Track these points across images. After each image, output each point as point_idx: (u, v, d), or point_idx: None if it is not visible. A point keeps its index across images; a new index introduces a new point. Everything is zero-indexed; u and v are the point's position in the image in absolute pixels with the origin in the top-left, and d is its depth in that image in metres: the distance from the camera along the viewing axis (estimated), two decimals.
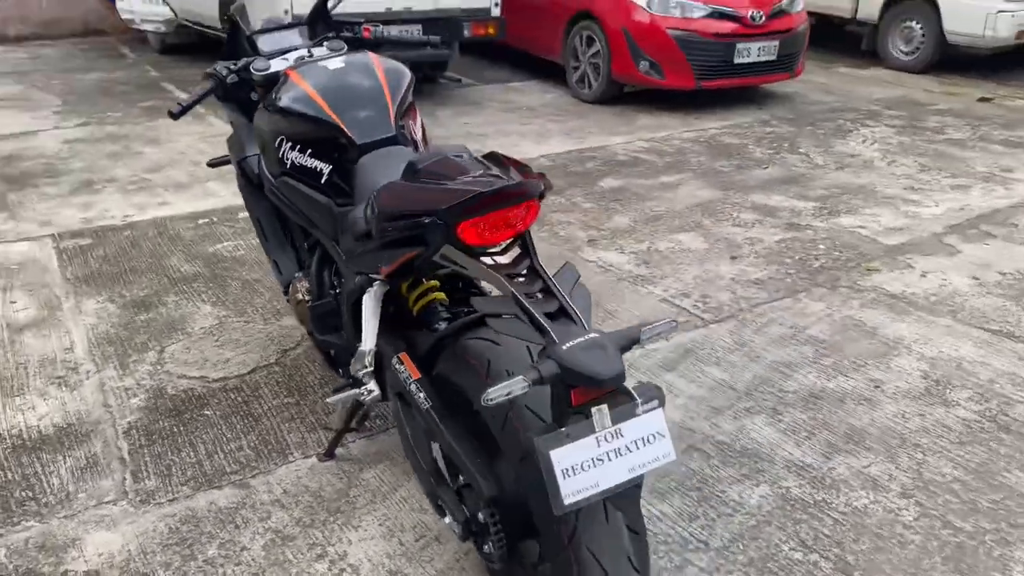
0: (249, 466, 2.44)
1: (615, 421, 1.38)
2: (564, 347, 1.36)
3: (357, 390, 2.09)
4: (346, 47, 2.54)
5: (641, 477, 1.41)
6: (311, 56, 2.38)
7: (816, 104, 7.12)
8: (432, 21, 6.60)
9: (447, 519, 1.83)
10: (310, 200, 2.14)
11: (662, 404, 1.42)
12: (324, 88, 2.11)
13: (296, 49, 2.49)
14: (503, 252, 1.56)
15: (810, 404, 2.79)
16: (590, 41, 6.94)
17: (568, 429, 1.35)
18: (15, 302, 3.41)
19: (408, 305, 2.08)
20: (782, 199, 4.78)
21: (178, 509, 2.27)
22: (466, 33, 6.83)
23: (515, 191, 1.47)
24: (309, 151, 2.12)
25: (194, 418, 2.66)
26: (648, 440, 1.40)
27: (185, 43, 8.29)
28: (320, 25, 2.66)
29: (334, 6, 2.74)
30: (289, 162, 2.18)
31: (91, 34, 9.81)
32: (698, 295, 3.58)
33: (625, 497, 1.45)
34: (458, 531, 1.77)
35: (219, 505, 2.28)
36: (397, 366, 1.92)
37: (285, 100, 2.12)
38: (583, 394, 1.35)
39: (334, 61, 2.22)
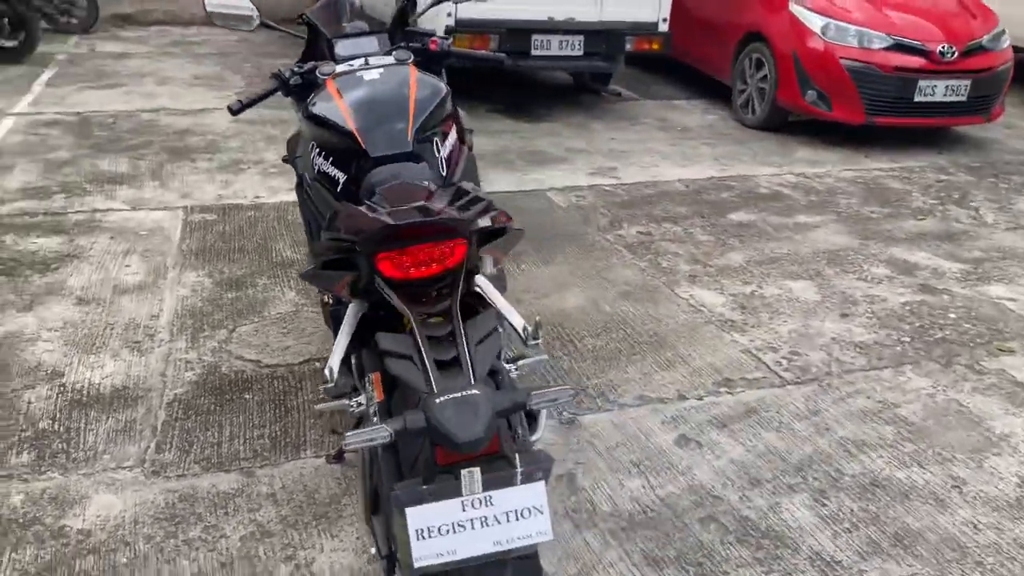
0: (261, 456, 2.51)
1: (487, 487, 1.27)
2: (436, 400, 1.27)
3: (345, 401, 2.08)
4: (411, 57, 2.54)
5: (534, 551, 1.30)
6: (367, 64, 2.40)
7: (1012, 154, 6.36)
8: (594, 33, 6.52)
9: (372, 549, 1.79)
10: (328, 207, 2.16)
11: (546, 478, 1.29)
12: (351, 98, 2.11)
13: (369, 56, 2.52)
14: (439, 289, 1.48)
15: (867, 493, 2.49)
16: (759, 64, 6.59)
17: (431, 487, 1.26)
18: (129, 266, 3.71)
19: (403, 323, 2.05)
20: (926, 256, 4.31)
21: (182, 486, 2.37)
22: (629, 47, 6.69)
23: (432, 227, 1.40)
24: (331, 158, 2.14)
25: (233, 400, 2.77)
26: (523, 514, 1.28)
27: None
28: (399, 34, 2.68)
29: (420, 14, 2.77)
30: (317, 167, 2.21)
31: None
32: (787, 351, 3.30)
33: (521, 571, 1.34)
34: (381, 564, 1.72)
35: (219, 489, 2.36)
36: (368, 385, 1.89)
37: (316, 106, 2.15)
38: (448, 454, 1.26)
39: (373, 72, 2.22)
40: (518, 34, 6.34)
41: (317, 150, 2.21)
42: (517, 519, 1.28)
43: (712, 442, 2.69)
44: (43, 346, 3.02)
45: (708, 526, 2.32)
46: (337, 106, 2.11)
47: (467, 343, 1.38)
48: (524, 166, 5.45)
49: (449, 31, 6.21)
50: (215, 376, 2.90)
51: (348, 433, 1.25)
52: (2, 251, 3.77)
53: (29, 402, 2.70)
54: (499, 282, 2.37)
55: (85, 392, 2.77)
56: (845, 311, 3.66)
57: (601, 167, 5.52)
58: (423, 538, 1.24)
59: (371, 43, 2.64)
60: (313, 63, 2.49)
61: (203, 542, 2.17)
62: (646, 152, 5.93)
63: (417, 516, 1.24)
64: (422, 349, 1.36)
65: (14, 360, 2.92)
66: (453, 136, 2.26)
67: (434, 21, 6.31)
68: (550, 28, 6.41)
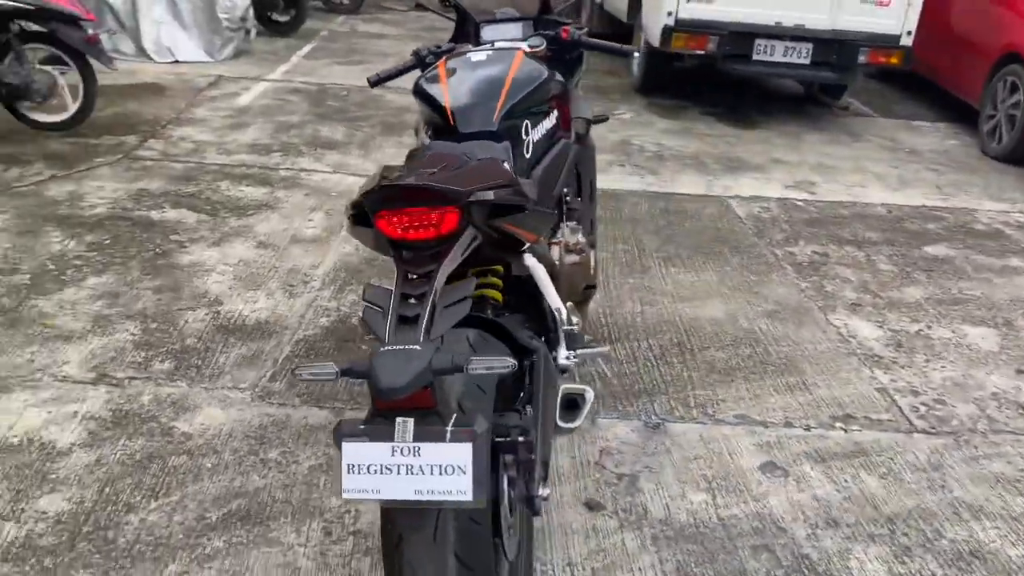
0: (355, 400, 2.71)
1: (416, 438, 1.33)
2: (381, 349, 1.34)
3: None
4: (544, 44, 2.61)
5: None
6: (490, 47, 2.50)
7: None
8: (825, 42, 6.16)
9: None
10: None
11: (474, 441, 1.33)
12: (454, 78, 2.22)
13: (508, 40, 2.63)
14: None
15: (960, 562, 2.22)
16: (1013, 89, 5.89)
17: (367, 428, 1.35)
18: (311, 220, 4.11)
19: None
20: None
21: (279, 413, 2.63)
22: (862, 59, 6.25)
23: (425, 192, 1.46)
24: (431, 133, 2.26)
25: (351, 348, 3.01)
26: (445, 470, 1.33)
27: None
28: (542, 21, 2.77)
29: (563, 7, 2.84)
30: (421, 141, 2.35)
31: None
32: (932, 398, 2.99)
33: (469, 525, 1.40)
34: None
35: (309, 422, 2.59)
36: None
37: (423, 84, 2.28)
38: (384, 401, 1.33)
39: (481, 54, 2.32)
40: (740, 37, 6.14)
41: (424, 125, 2.35)
42: (440, 474, 1.33)
43: (801, 475, 2.53)
44: (215, 277, 3.46)
45: (759, 555, 2.20)
46: (440, 84, 2.22)
47: (434, 304, 1.44)
48: (717, 171, 5.30)
49: (667, 31, 6.16)
50: (344, 325, 3.17)
51: (302, 366, 1.37)
52: (215, 194, 4.33)
53: (186, 321, 3.11)
54: (579, 269, 2.38)
55: (233, 321, 3.14)
56: (1023, 367, 3.24)
57: (800, 181, 5.23)
58: (352, 472, 1.34)
59: (515, 29, 2.75)
60: (451, 44, 2.64)
61: (276, 464, 2.40)
62: (856, 171, 5.53)
63: (351, 451, 1.34)
64: (391, 304, 1.44)
65: (188, 285, 3.37)
66: (551, 122, 2.30)
67: (654, 19, 6.30)
68: (776, 33, 6.15)
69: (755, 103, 7.06)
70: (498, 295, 2.09)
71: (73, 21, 4.63)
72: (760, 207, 4.74)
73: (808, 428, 2.76)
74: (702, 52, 6.21)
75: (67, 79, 4.81)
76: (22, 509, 2.17)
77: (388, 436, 1.34)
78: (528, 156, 2.16)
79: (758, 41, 6.17)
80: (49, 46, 4.68)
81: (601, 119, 3.05)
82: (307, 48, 8.01)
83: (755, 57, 6.23)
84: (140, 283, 3.35)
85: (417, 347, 1.34)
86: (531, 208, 1.72)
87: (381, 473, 1.34)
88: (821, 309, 3.58)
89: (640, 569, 2.13)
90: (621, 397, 2.83)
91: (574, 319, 2.03)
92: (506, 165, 1.97)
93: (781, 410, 2.85)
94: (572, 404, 2.14)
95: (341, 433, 1.35)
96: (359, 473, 1.34)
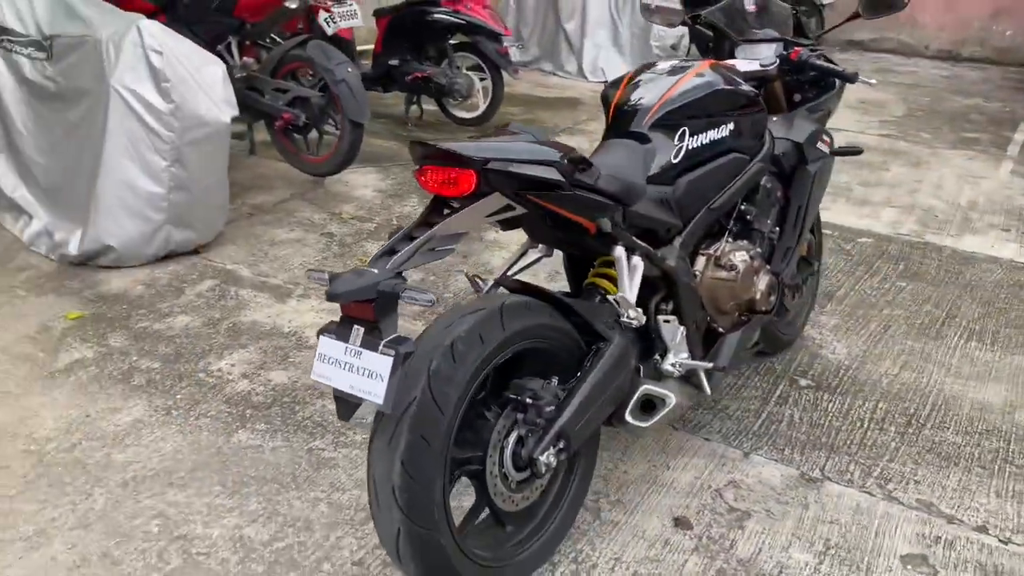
0: None
1: (361, 344, 1.60)
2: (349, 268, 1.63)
3: None
4: (774, 63, 2.59)
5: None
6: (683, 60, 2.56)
7: None
8: None
9: None
10: None
11: (397, 357, 1.55)
12: (632, 83, 2.35)
13: (755, 60, 2.66)
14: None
15: None
16: None
17: (336, 329, 1.66)
18: None
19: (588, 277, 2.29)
20: None
21: None
22: None
23: (443, 154, 1.69)
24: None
25: None
26: (371, 375, 1.58)
27: None
28: (792, 41, 2.72)
29: (825, 31, 2.76)
30: None
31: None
32: None
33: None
34: None
35: None
36: None
37: (608, 88, 2.41)
38: (344, 308, 1.62)
39: (667, 64, 2.40)
40: None
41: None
42: (367, 376, 1.58)
43: None
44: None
45: None
46: (616, 89, 2.37)
47: (417, 246, 1.68)
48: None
49: None
50: None
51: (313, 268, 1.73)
52: None
53: None
54: (727, 288, 2.33)
55: None
56: None
57: None
58: (320, 360, 1.66)
59: (766, 49, 2.74)
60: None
61: None
62: None
63: (324, 343, 1.66)
64: (392, 238, 1.71)
65: None
66: (721, 134, 2.29)
67: None
68: None
69: None
70: (609, 286, 2.20)
71: (494, 36, 5.55)
72: None
73: (1006, 541, 2.28)
74: None
75: (483, 84, 5.78)
76: (257, 374, 2.89)
77: (344, 338, 1.64)
78: (675, 161, 2.21)
79: None
80: (472, 55, 5.68)
81: (851, 151, 2.85)
82: None
83: None
84: None
85: (374, 270, 1.62)
86: (569, 190, 1.83)
87: (333, 366, 1.65)
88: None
89: None
90: (796, 444, 2.64)
91: (632, 314, 2.04)
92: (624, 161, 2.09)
93: (985, 512, 2.39)
94: (649, 405, 2.15)
95: (322, 329, 1.69)
96: (323, 362, 1.67)
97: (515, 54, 5.87)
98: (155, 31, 3.35)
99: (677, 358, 2.22)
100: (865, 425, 2.77)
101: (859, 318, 3.50)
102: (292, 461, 2.44)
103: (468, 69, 5.74)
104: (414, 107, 5.99)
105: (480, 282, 2.18)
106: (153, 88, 3.32)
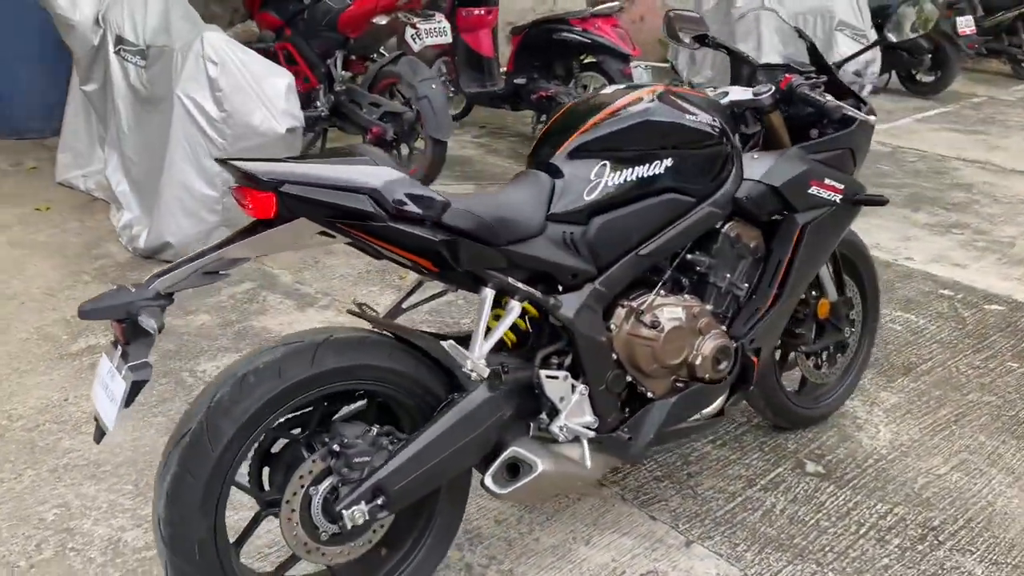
0: None
1: (116, 366, 1.54)
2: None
3: None
4: (768, 91, 2.22)
5: None
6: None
7: None
8: None
9: None
10: None
11: (127, 382, 1.48)
12: (573, 107, 2.11)
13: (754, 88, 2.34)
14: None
15: None
16: None
17: (109, 349, 1.61)
18: None
19: None
20: None
21: None
22: None
23: (243, 172, 1.56)
24: None
25: None
26: (112, 399, 1.52)
27: None
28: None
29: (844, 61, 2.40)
30: None
31: None
32: None
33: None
34: None
35: None
36: None
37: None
38: (112, 328, 1.56)
39: (612, 88, 2.13)
40: None
41: None
42: (109, 399, 1.54)
43: None
44: None
45: None
46: (555, 115, 2.14)
47: (192, 265, 1.58)
48: None
49: None
50: None
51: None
52: None
53: None
54: (647, 348, 2.02)
55: None
56: None
57: None
58: (96, 380, 1.62)
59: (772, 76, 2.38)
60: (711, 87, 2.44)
61: None
62: None
63: (101, 363, 1.61)
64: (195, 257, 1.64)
65: None
66: (652, 171, 1.98)
67: None
68: None
69: None
70: (508, 334, 1.98)
71: (621, 56, 5.32)
72: None
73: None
74: None
75: None
76: None
77: (111, 358, 1.59)
78: (589, 199, 1.94)
79: None
80: (599, 75, 5.48)
81: (873, 200, 2.38)
82: (932, 112, 7.28)
83: None
84: None
85: (133, 289, 1.54)
86: (383, 222, 1.65)
87: (100, 385, 1.61)
88: None
89: None
90: (759, 541, 2.23)
91: (472, 368, 1.80)
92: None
93: None
94: (514, 470, 1.90)
95: (106, 349, 1.65)
96: (96, 382, 1.63)
97: (641, 75, 5.59)
98: (217, 43, 3.53)
99: (568, 421, 1.94)
100: (862, 532, 2.29)
101: (931, 400, 2.92)
102: None
103: (597, 88, 5.54)
104: (540, 126, 5.89)
105: (370, 312, 2.04)
106: (209, 96, 3.50)
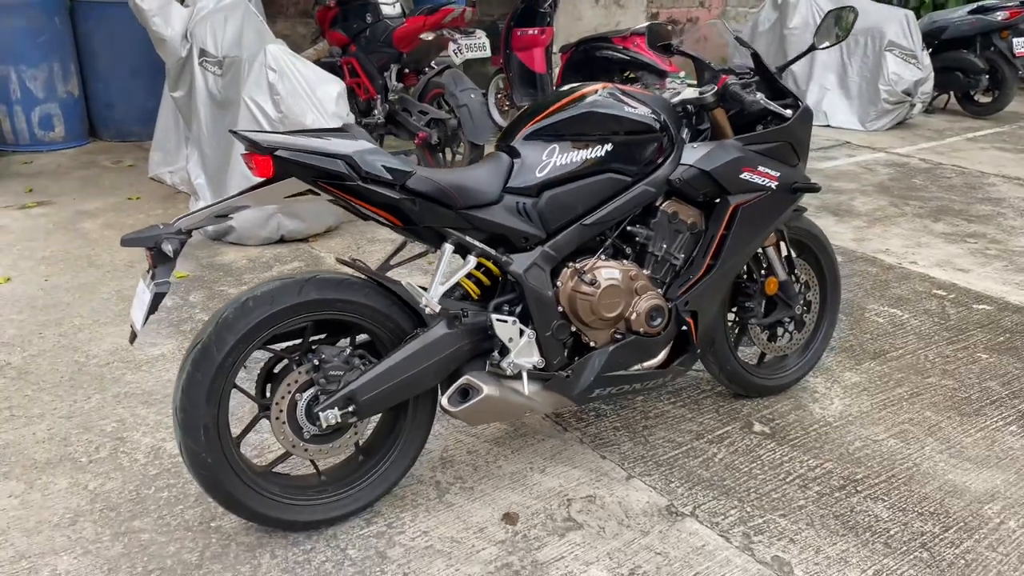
0: None
1: (146, 284, 2.03)
2: None
3: None
4: (710, 90, 2.59)
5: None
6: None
7: None
8: None
9: None
10: None
11: (152, 294, 1.96)
12: (539, 101, 2.52)
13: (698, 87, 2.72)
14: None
15: None
16: None
17: (144, 273, 2.09)
18: None
19: None
20: None
21: None
22: None
23: (247, 142, 2.03)
24: None
25: None
26: (141, 307, 2.01)
27: None
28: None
29: (784, 65, 2.75)
30: None
31: None
32: None
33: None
34: None
35: None
36: None
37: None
38: (146, 256, 2.04)
39: (568, 87, 2.53)
40: None
41: None
42: (140, 308, 2.02)
43: None
44: None
45: None
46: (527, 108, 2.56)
47: (208, 209, 2.05)
48: None
49: None
50: None
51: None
52: None
53: None
54: (586, 302, 2.38)
55: None
56: None
57: None
58: (135, 299, 2.11)
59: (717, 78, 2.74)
60: (658, 85, 2.82)
61: None
62: None
63: (139, 286, 2.11)
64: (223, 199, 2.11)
65: None
66: (595, 154, 2.36)
67: None
68: None
69: None
70: (471, 285, 2.40)
71: (659, 73, 5.68)
72: None
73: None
74: None
75: None
76: None
77: (144, 279, 2.08)
78: (540, 176, 2.34)
79: None
80: None
81: (807, 188, 2.69)
82: (985, 132, 7.33)
83: None
84: None
85: (162, 227, 2.03)
86: (355, 182, 2.09)
87: (136, 300, 2.10)
88: None
89: None
90: (691, 481, 2.55)
91: (427, 304, 2.21)
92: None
93: (841, 574, 2.16)
94: (465, 393, 2.30)
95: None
96: (135, 299, 2.12)
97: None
98: (278, 54, 4.08)
99: (517, 360, 2.34)
100: (788, 480, 2.59)
101: (891, 381, 3.17)
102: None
103: None
104: None
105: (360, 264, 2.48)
106: (269, 99, 4.05)
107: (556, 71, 6.66)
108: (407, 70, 5.25)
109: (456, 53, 5.01)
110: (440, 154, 5.16)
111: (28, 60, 5.99)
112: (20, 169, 5.83)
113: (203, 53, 4.65)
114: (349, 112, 4.26)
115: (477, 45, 5.06)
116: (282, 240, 4.40)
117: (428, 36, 4.89)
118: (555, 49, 6.78)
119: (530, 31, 6.45)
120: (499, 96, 6.86)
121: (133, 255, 4.24)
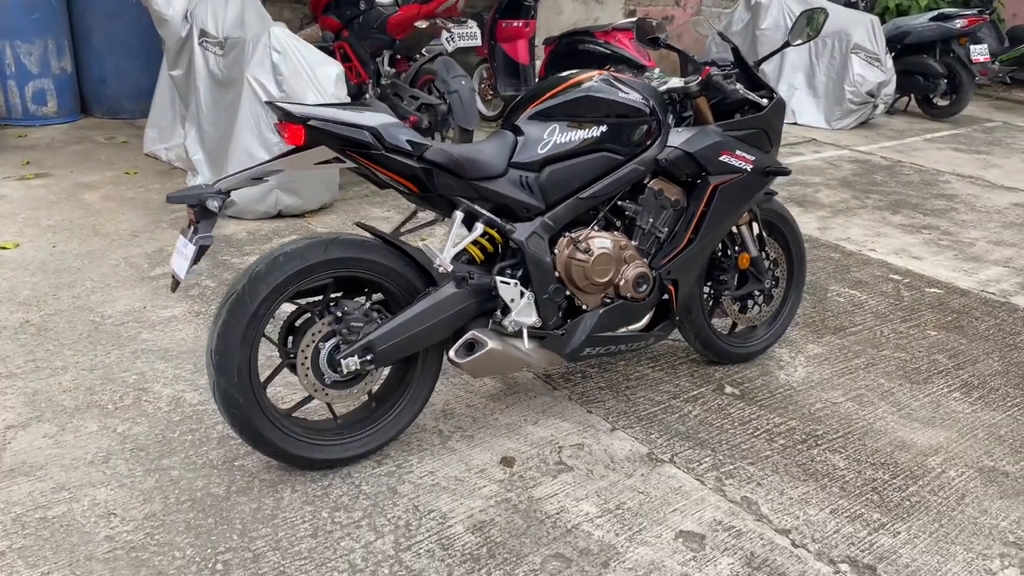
0: None
1: (188, 238, 2.24)
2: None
3: None
4: (695, 80, 2.85)
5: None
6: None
7: None
8: None
9: None
10: None
11: (196, 246, 2.17)
12: (540, 85, 2.77)
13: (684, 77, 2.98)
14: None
15: None
16: None
17: (184, 229, 2.30)
18: None
19: None
20: None
21: None
22: None
23: (282, 112, 2.26)
24: None
25: None
26: (184, 258, 2.23)
27: None
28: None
29: (761, 60, 3.02)
30: None
31: None
32: None
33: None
34: None
35: None
36: None
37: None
38: (188, 213, 2.26)
39: (567, 72, 2.78)
40: None
41: None
42: (183, 259, 2.24)
43: None
44: None
45: None
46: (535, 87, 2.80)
47: (245, 172, 2.28)
48: None
49: None
50: None
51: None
52: None
53: None
54: (580, 268, 2.64)
55: None
56: None
57: None
58: (175, 252, 2.32)
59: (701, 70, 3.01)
60: (646, 74, 3.08)
61: None
62: None
63: (179, 240, 2.32)
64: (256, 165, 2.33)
65: None
66: (592, 134, 2.62)
67: None
68: None
69: None
70: (476, 251, 2.64)
71: (638, 67, 5.95)
72: None
73: (796, 545, 2.35)
74: None
75: None
76: None
77: (186, 234, 2.30)
78: (542, 152, 2.59)
79: None
80: None
81: (778, 172, 2.97)
82: (942, 133, 7.73)
83: None
84: None
85: (205, 184, 2.25)
86: (378, 151, 2.32)
87: (178, 254, 2.31)
88: None
89: None
90: (669, 433, 2.82)
91: (439, 264, 2.46)
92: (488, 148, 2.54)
93: (803, 522, 2.44)
94: (471, 347, 2.55)
95: (183, 231, 2.35)
96: (175, 253, 2.34)
97: None
98: (281, 35, 4.28)
99: (517, 318, 2.59)
100: (756, 434, 2.87)
101: (849, 353, 3.48)
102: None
103: None
104: None
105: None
106: (272, 79, 4.25)
107: (539, 63, 6.90)
108: (399, 56, 5.46)
109: (448, 41, 5.24)
110: (430, 138, 5.38)
111: (23, 35, 6.10)
112: (15, 142, 5.94)
113: (203, 33, 4.82)
114: (346, 94, 4.46)
115: (469, 34, 5.29)
116: (280, 215, 4.60)
117: (422, 24, 5.10)
118: (538, 41, 7.02)
119: (515, 23, 6.69)
120: (483, 85, 7.09)
121: (136, 226, 4.42)
